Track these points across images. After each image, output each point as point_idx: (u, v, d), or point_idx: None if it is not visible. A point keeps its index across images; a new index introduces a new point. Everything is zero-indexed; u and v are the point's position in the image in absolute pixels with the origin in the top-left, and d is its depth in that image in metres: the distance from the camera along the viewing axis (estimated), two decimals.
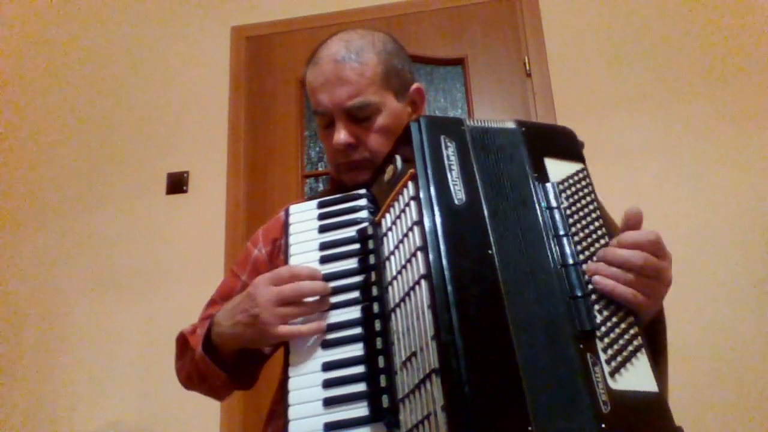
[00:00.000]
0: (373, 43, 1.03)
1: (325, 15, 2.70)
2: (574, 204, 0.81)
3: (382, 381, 0.74)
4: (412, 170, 0.79)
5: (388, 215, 0.83)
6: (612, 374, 0.70)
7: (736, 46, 2.37)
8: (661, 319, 0.88)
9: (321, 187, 2.57)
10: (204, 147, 2.63)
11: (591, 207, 0.82)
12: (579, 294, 0.74)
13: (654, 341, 0.81)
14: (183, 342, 1.05)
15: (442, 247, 0.71)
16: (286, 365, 0.83)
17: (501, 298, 0.70)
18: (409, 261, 0.75)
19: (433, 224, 0.73)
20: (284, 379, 0.82)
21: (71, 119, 2.79)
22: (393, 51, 1.05)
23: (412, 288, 0.73)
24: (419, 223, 0.75)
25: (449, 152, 0.79)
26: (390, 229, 0.81)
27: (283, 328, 0.83)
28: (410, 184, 0.79)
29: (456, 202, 0.76)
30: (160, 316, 2.40)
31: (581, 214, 0.81)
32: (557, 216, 0.79)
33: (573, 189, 0.83)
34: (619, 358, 0.71)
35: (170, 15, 2.86)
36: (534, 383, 0.66)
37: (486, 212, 0.76)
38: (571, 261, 0.76)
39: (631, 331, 0.74)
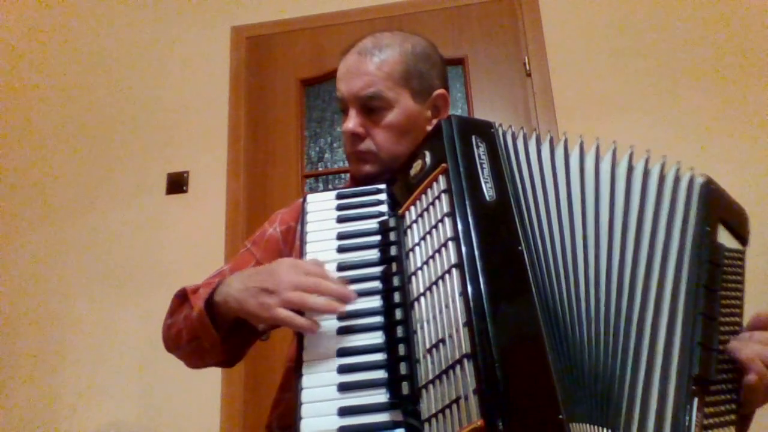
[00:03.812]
0: (401, 43, 1.06)
1: (325, 15, 2.70)
2: (727, 274, 0.86)
3: (403, 368, 0.74)
4: (444, 164, 0.80)
5: (413, 208, 0.84)
6: (706, 428, 0.73)
7: (736, 45, 2.39)
8: (749, 421, 0.91)
9: (321, 187, 2.59)
10: (204, 147, 2.62)
11: (738, 286, 0.88)
12: (715, 347, 0.78)
13: None
14: (182, 297, 1.04)
15: (474, 239, 0.73)
16: (299, 351, 0.81)
17: (530, 292, 0.72)
18: (438, 251, 0.76)
19: (465, 216, 0.75)
20: (295, 366, 0.81)
21: (71, 119, 2.78)
22: (420, 54, 1.07)
23: (441, 277, 0.74)
24: (451, 214, 0.76)
25: (480, 151, 0.82)
26: (415, 221, 0.83)
27: (283, 312, 0.80)
28: (441, 178, 0.80)
29: (487, 198, 0.78)
30: (160, 316, 2.32)
31: (729, 285, 0.86)
32: (718, 274, 0.84)
33: (731, 262, 0.88)
34: (717, 419, 0.76)
35: (170, 15, 2.86)
36: (575, 379, 0.71)
37: (515, 211, 0.78)
38: (718, 317, 0.81)
39: (732, 406, 0.78)
